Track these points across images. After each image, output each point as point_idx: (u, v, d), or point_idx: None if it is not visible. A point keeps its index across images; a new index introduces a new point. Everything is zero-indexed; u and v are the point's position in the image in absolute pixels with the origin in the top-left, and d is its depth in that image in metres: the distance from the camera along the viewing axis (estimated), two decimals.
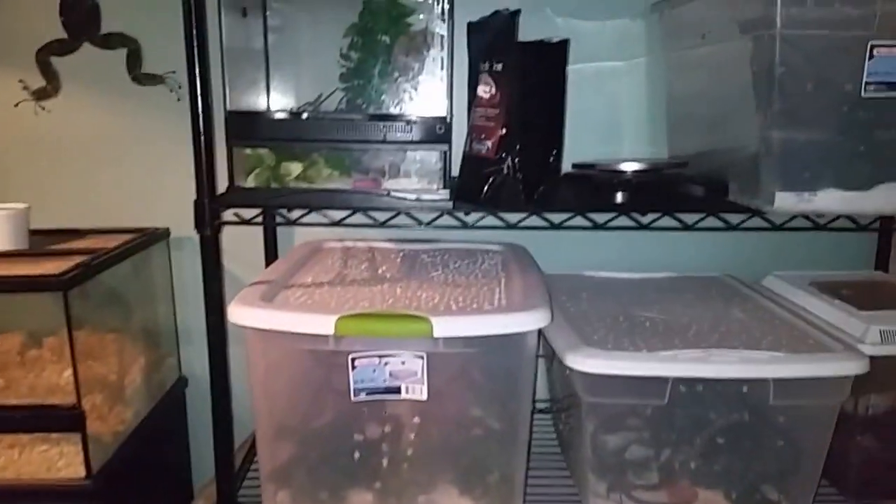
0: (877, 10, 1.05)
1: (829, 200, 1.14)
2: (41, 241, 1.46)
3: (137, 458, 1.40)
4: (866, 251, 1.65)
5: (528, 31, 1.31)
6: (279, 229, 1.59)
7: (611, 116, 1.61)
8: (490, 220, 1.26)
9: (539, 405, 1.62)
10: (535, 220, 1.24)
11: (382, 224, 1.24)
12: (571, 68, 1.48)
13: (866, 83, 1.09)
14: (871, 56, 1.07)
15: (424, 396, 1.11)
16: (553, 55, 1.22)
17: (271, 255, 1.58)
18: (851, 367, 1.15)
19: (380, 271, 1.40)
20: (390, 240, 1.56)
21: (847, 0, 1.06)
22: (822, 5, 1.06)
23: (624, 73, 1.59)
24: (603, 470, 1.24)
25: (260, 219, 1.24)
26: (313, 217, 1.23)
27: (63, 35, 1.60)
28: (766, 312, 1.37)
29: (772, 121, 1.11)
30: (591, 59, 1.57)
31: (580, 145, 1.49)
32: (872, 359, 1.17)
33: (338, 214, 1.23)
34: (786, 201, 1.14)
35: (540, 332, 1.19)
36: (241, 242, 1.57)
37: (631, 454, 1.24)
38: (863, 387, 1.26)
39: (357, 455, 1.17)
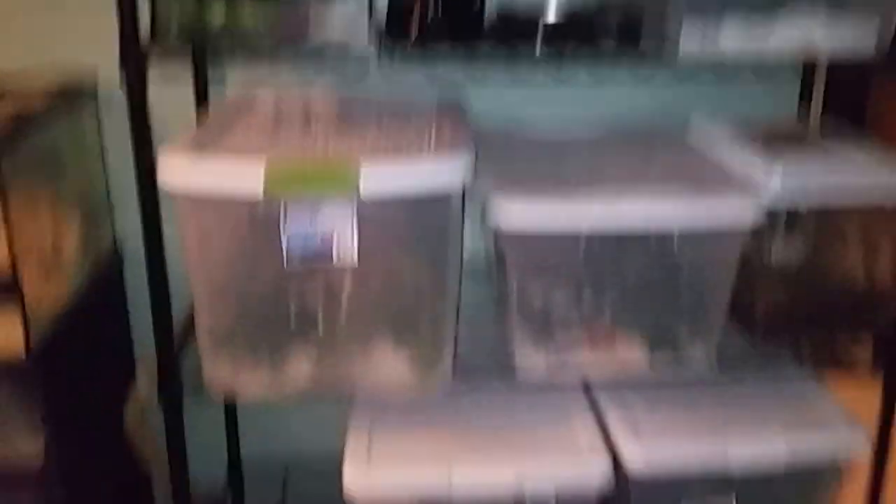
0: None
1: (732, 38, 1.19)
2: None
3: (77, 328, 1.41)
4: (792, 95, 1.71)
5: None
6: (211, 95, 1.57)
7: None
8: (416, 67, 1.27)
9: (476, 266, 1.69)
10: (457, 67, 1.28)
11: (307, 77, 1.23)
12: None
13: None
14: None
15: (355, 255, 1.15)
16: None
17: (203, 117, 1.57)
18: (750, 213, 1.22)
19: (311, 123, 1.40)
20: (323, 93, 1.56)
21: None
22: None
23: None
24: (527, 320, 1.31)
25: (186, 66, 1.21)
26: (239, 76, 1.22)
27: None
28: (684, 159, 1.42)
29: None
30: None
31: None
32: (780, 208, 1.26)
33: (263, 72, 1.23)
34: (691, 41, 1.19)
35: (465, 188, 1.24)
36: (170, 103, 1.54)
37: (553, 305, 1.31)
38: (771, 234, 1.35)
39: (293, 314, 1.22)
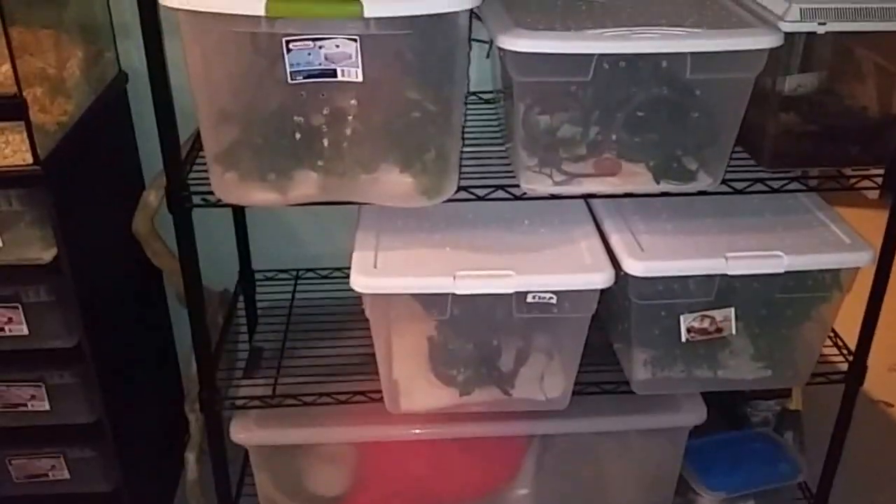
0: None
1: None
2: None
3: (83, 147, 1.44)
4: None
5: None
6: None
7: None
8: None
9: (485, 96, 1.68)
10: None
11: None
12: None
13: None
14: None
15: (360, 79, 1.15)
16: None
17: None
18: (765, 41, 1.21)
19: None
20: None
21: None
22: None
23: None
24: (534, 146, 1.32)
25: None
26: None
27: None
28: None
29: None
30: None
31: None
32: (798, 37, 1.25)
33: None
34: None
35: (474, 15, 1.23)
36: None
37: (561, 132, 1.32)
38: (788, 64, 1.34)
39: (298, 137, 1.23)
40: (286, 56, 1.13)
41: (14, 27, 1.27)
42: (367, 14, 1.08)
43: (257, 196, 1.28)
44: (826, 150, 1.42)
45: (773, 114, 1.38)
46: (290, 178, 1.27)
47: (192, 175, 1.33)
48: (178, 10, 1.09)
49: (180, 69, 1.19)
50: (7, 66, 1.25)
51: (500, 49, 1.20)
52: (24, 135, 1.28)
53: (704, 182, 1.33)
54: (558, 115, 1.30)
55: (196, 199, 1.29)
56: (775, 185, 1.38)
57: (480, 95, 1.68)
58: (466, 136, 1.46)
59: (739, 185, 1.36)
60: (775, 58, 1.26)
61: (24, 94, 1.26)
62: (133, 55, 1.65)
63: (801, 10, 1.26)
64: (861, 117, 1.43)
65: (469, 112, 1.51)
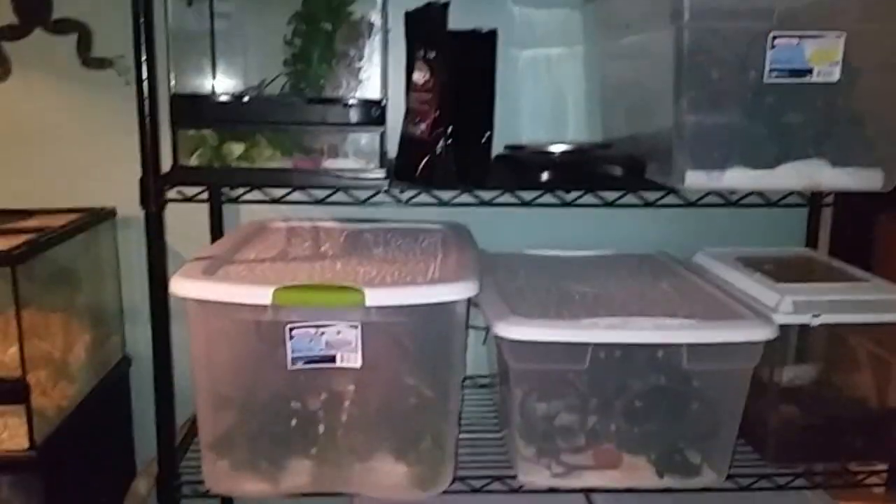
0: (775, 3, 1.13)
1: (737, 178, 1.22)
2: None
3: (81, 432, 1.44)
4: (801, 228, 1.74)
5: (480, 17, 1.39)
6: (226, 211, 1.63)
7: (554, 100, 1.69)
8: (425, 197, 1.32)
9: (482, 381, 1.69)
10: (466, 198, 1.31)
11: (321, 201, 1.30)
12: (523, 54, 1.65)
13: (769, 70, 1.17)
14: (773, 45, 1.16)
15: (359, 364, 1.17)
16: (482, 44, 1.28)
17: (217, 234, 1.62)
18: (759, 334, 1.23)
19: (322, 248, 1.46)
20: (335, 219, 1.61)
21: None
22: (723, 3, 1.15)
23: (565, 60, 1.68)
24: (532, 435, 1.31)
25: (203, 196, 1.29)
26: (255, 195, 1.29)
27: (14, 20, 1.63)
28: (690, 285, 1.45)
29: (684, 105, 1.19)
30: (537, 46, 1.67)
31: (524, 127, 1.63)
32: (792, 329, 1.28)
33: (279, 192, 1.29)
34: (697, 179, 1.22)
35: (471, 303, 1.27)
36: (187, 222, 1.59)
37: (559, 420, 1.31)
38: (784, 356, 1.36)
39: (294, 423, 1.23)
40: (288, 342, 1.15)
41: (27, 309, 1.32)
42: (368, 303, 1.12)
43: (249, 486, 1.25)
44: (829, 443, 1.40)
45: (773, 406, 1.38)
46: (282, 468, 1.25)
47: (183, 462, 1.31)
48: (188, 306, 1.13)
49: (182, 354, 1.22)
50: (14, 349, 1.29)
51: (497, 336, 1.22)
52: (24, 419, 1.29)
53: (709, 478, 1.31)
54: (556, 403, 1.30)
55: (186, 489, 1.27)
56: (781, 480, 1.35)
57: (477, 380, 1.68)
58: (463, 421, 1.45)
59: (745, 482, 1.33)
60: (771, 349, 1.27)
61: (28, 377, 1.29)
62: (139, 340, 1.68)
63: (794, 302, 1.30)
64: (861, 410, 1.43)
65: (465, 397, 1.51)
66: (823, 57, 1.16)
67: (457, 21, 1.31)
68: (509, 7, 1.65)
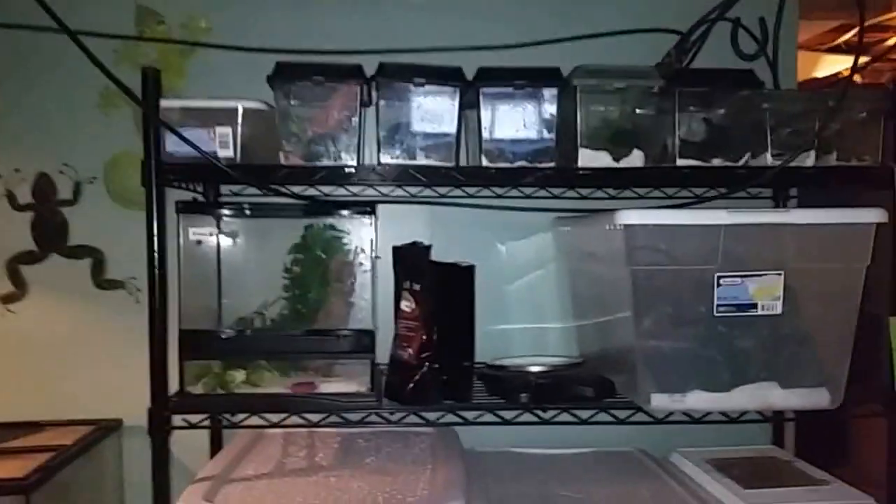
0: (719, 247, 1.28)
1: (697, 401, 1.34)
2: (3, 434, 1.60)
3: None
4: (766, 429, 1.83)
5: (473, 250, 1.60)
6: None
7: (537, 316, 1.85)
8: (413, 417, 1.41)
9: None
10: (451, 417, 1.41)
11: (317, 424, 1.39)
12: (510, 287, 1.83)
13: (717, 305, 1.31)
14: (719, 284, 1.30)
15: None
16: (462, 276, 1.42)
17: (216, 442, 1.71)
18: None
19: (316, 459, 1.54)
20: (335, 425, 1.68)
21: (693, 241, 1.30)
22: (672, 247, 1.30)
23: (542, 280, 1.84)
24: None
25: (207, 422, 1.38)
26: (255, 419, 1.38)
27: (33, 247, 1.78)
28: (667, 491, 1.52)
29: (643, 336, 1.32)
30: (521, 276, 1.85)
31: (518, 343, 1.77)
32: None
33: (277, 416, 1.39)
34: (661, 401, 1.33)
35: None
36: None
37: None
38: None
39: None
40: None
41: None
42: None
43: None
44: None
45: None
46: None
47: None
48: None
49: None
50: None
51: None
52: None
53: None
54: None
55: None
56: None
57: None
58: None
59: None
60: None
61: None
62: None
63: None
64: None
65: None
66: (766, 293, 1.29)
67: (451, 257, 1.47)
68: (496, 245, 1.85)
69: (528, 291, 1.85)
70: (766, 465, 1.67)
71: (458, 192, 1.51)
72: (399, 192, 1.66)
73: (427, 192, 1.58)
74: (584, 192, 1.66)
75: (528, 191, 1.67)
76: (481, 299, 1.41)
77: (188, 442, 1.65)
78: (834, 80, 1.81)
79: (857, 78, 1.82)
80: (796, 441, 1.85)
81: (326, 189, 1.65)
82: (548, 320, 1.85)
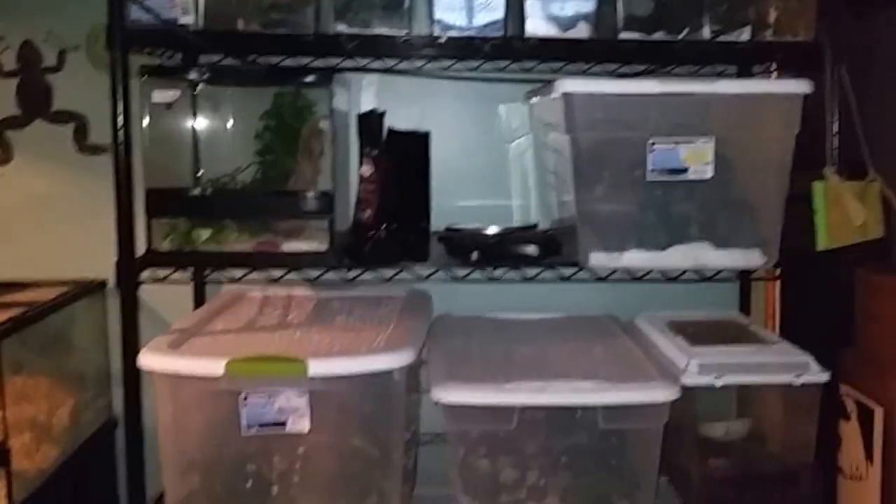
0: (651, 115, 1.32)
1: (635, 259, 1.41)
2: None
3: (63, 492, 1.58)
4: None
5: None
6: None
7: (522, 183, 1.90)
8: (370, 275, 1.49)
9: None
10: (405, 275, 1.49)
11: (276, 280, 1.47)
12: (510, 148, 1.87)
13: (650, 170, 1.36)
14: (653, 150, 1.35)
15: (307, 429, 1.33)
16: (418, 143, 1.47)
17: (200, 302, 1.79)
18: (662, 395, 1.37)
19: (289, 318, 1.63)
20: (310, 286, 1.77)
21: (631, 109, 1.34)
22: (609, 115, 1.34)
23: (526, 148, 1.88)
24: (474, 491, 1.44)
25: (175, 277, 1.46)
26: (220, 276, 1.46)
27: (17, 111, 1.84)
28: (620, 348, 1.60)
29: (583, 200, 1.38)
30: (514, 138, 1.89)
31: (496, 208, 1.83)
32: (709, 389, 1.42)
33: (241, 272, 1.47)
34: (599, 259, 1.41)
35: (415, 369, 1.43)
36: (174, 291, 1.76)
37: (503, 477, 1.44)
38: (696, 413, 1.51)
39: (250, 485, 1.37)
40: (242, 410, 1.31)
41: (13, 377, 1.47)
42: (311, 373, 1.29)
43: None
44: (748, 495, 1.53)
45: (694, 460, 1.52)
46: None
47: None
48: (152, 371, 1.31)
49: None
50: None
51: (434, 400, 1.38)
52: (4, 482, 1.42)
53: None
54: (499, 460, 1.44)
55: None
56: None
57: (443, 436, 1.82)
58: (422, 477, 1.62)
59: None
60: (687, 406, 1.41)
61: (11, 441, 1.43)
62: None
63: (699, 365, 1.45)
64: (777, 463, 1.57)
65: (428, 453, 1.68)
66: (697, 158, 1.34)
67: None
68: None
69: (509, 163, 1.90)
70: (723, 327, 1.74)
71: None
72: (377, 63, 1.70)
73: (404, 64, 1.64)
74: (556, 66, 1.70)
75: (501, 64, 1.71)
76: (455, 172, 1.47)
77: (173, 301, 1.76)
78: None
79: None
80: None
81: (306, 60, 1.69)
82: (519, 193, 1.90)
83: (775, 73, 1.75)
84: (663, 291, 1.64)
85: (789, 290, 1.87)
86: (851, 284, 1.62)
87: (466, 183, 1.85)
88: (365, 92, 1.83)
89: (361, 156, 1.52)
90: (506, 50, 1.48)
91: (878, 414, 1.50)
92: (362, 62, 1.71)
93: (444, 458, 1.61)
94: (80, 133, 1.85)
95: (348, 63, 1.71)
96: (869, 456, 1.53)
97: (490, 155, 1.88)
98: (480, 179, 1.88)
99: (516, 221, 1.83)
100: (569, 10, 1.43)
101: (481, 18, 1.44)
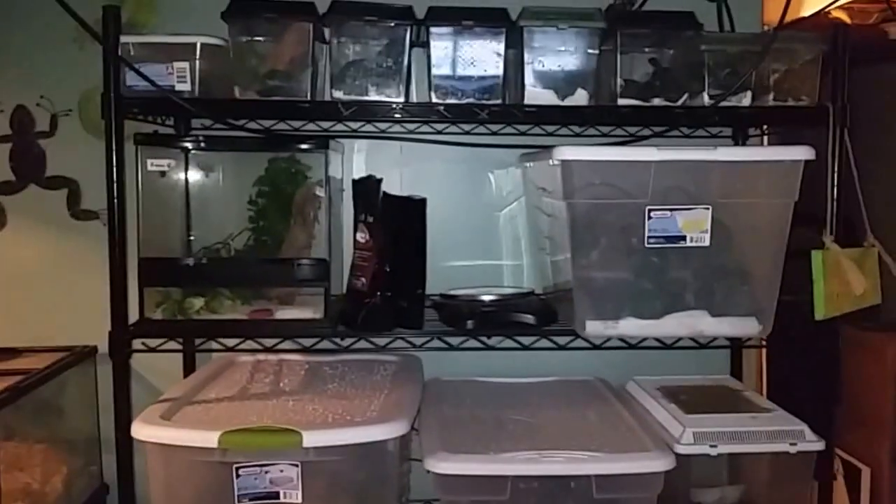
0: (650, 182, 1.34)
1: (630, 327, 1.41)
2: None
3: None
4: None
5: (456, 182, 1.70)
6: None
7: (514, 248, 1.91)
8: (365, 343, 1.48)
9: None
10: (401, 343, 1.48)
11: (270, 349, 1.47)
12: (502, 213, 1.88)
13: (648, 237, 1.37)
14: (650, 217, 1.36)
15: (300, 500, 1.32)
16: (414, 209, 1.48)
17: (190, 368, 1.77)
18: (658, 465, 1.36)
19: (281, 384, 1.62)
20: (301, 351, 1.76)
21: (628, 176, 1.35)
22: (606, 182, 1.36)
23: (518, 214, 1.90)
24: None
25: (167, 346, 1.45)
26: (214, 343, 1.46)
27: (11, 178, 1.84)
28: (614, 415, 1.59)
29: (579, 267, 1.39)
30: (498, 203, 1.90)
31: (493, 272, 1.85)
32: (703, 457, 1.40)
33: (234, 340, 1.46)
34: (595, 328, 1.41)
35: (407, 438, 1.41)
36: (164, 358, 1.76)
37: None
38: (689, 481, 1.50)
39: None
40: (235, 481, 1.30)
41: (8, 441, 1.47)
42: (306, 444, 1.28)
43: None
44: None
45: None
46: None
47: None
48: (145, 442, 1.29)
49: None
50: None
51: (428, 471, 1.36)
52: None
53: None
54: None
55: None
56: None
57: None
58: None
59: None
60: (683, 472, 1.39)
61: None
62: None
63: (694, 433, 1.44)
64: None
65: None
66: (694, 226, 1.35)
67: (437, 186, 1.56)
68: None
69: (502, 226, 1.91)
70: (716, 393, 1.73)
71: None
72: (370, 127, 1.72)
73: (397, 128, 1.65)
74: (550, 128, 1.73)
75: (494, 128, 1.73)
76: (446, 235, 1.47)
77: (163, 368, 1.75)
78: (817, 19, 1.82)
79: (845, 18, 1.85)
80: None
81: (298, 123, 1.71)
82: (512, 256, 1.90)
83: (766, 138, 1.78)
84: (652, 355, 1.60)
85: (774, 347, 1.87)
86: (837, 342, 1.61)
87: (456, 244, 1.86)
88: (357, 156, 1.84)
89: (356, 222, 1.53)
90: (504, 115, 1.50)
91: (865, 474, 1.50)
92: (353, 126, 1.73)
93: None
94: (73, 198, 1.86)
95: (339, 128, 1.73)
96: None
97: (481, 218, 1.89)
98: (470, 242, 1.88)
99: (508, 285, 1.84)
100: (567, 78, 1.45)
101: (479, 84, 1.46)
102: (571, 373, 1.83)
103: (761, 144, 1.80)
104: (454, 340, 1.48)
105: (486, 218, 1.90)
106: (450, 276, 1.75)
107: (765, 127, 1.76)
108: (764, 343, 1.72)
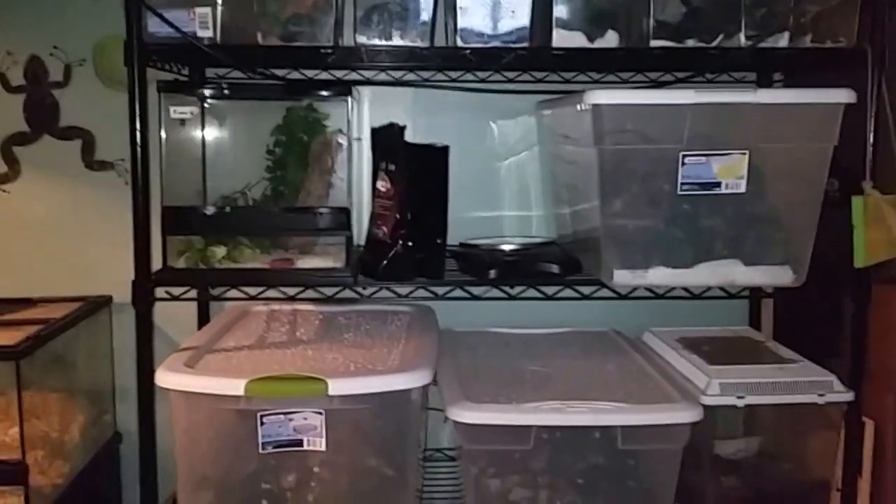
0: (685, 126, 1.30)
1: (660, 276, 1.38)
2: None
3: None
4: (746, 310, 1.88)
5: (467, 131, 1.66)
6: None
7: (522, 199, 1.87)
8: (386, 292, 1.47)
9: (450, 453, 1.81)
10: (423, 293, 1.46)
11: (292, 298, 1.45)
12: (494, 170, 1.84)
13: (681, 184, 1.34)
14: (684, 163, 1.32)
15: (323, 448, 1.31)
16: (436, 157, 1.45)
17: (204, 318, 1.77)
18: (686, 416, 1.35)
19: (297, 334, 1.60)
20: (313, 300, 1.73)
21: (662, 120, 1.32)
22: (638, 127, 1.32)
23: (528, 162, 1.86)
24: None
25: (190, 294, 1.44)
26: (235, 292, 1.44)
27: (25, 128, 1.82)
28: (633, 367, 1.57)
29: (609, 215, 1.36)
30: (510, 155, 1.86)
31: (498, 222, 1.81)
32: (728, 408, 1.39)
33: (255, 289, 1.45)
34: (623, 277, 1.38)
35: (427, 388, 1.39)
36: (177, 307, 1.75)
37: (512, 496, 1.42)
38: (714, 432, 1.47)
39: (264, 502, 1.34)
40: (259, 428, 1.29)
41: (27, 393, 1.46)
42: (331, 392, 1.26)
43: None
44: None
45: (710, 479, 1.49)
46: None
47: None
48: (169, 390, 1.28)
49: (169, 431, 1.34)
50: (15, 429, 1.42)
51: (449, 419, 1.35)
52: (22, 499, 1.41)
53: None
54: (510, 479, 1.42)
55: None
56: None
57: (445, 452, 1.81)
58: (427, 495, 1.59)
59: None
60: (707, 424, 1.37)
61: (27, 457, 1.42)
62: (130, 417, 1.81)
63: (720, 384, 1.42)
64: (794, 483, 1.54)
65: (433, 470, 1.66)
66: (730, 172, 1.32)
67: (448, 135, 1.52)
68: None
69: (512, 176, 1.87)
70: (738, 344, 1.71)
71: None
72: (383, 75, 1.69)
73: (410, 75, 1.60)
74: (567, 75, 1.69)
75: (510, 75, 1.69)
76: (465, 184, 1.44)
77: (177, 317, 1.74)
78: None
79: None
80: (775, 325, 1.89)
81: (311, 73, 1.68)
82: (530, 206, 1.87)
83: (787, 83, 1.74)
84: (663, 306, 1.61)
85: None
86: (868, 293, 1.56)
87: (466, 195, 1.81)
88: (372, 105, 1.81)
89: (377, 170, 1.50)
90: (532, 61, 1.45)
91: (869, 427, 1.48)
92: (367, 75, 1.70)
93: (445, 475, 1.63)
94: (87, 149, 1.83)
95: (353, 76, 1.70)
96: (858, 470, 1.51)
97: (485, 168, 1.86)
98: (481, 191, 1.86)
99: (516, 234, 1.81)
100: (597, 19, 1.41)
101: (506, 26, 1.42)
102: (579, 324, 1.81)
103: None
104: (476, 290, 1.45)
105: (491, 168, 1.86)
106: (463, 225, 1.71)
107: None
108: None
